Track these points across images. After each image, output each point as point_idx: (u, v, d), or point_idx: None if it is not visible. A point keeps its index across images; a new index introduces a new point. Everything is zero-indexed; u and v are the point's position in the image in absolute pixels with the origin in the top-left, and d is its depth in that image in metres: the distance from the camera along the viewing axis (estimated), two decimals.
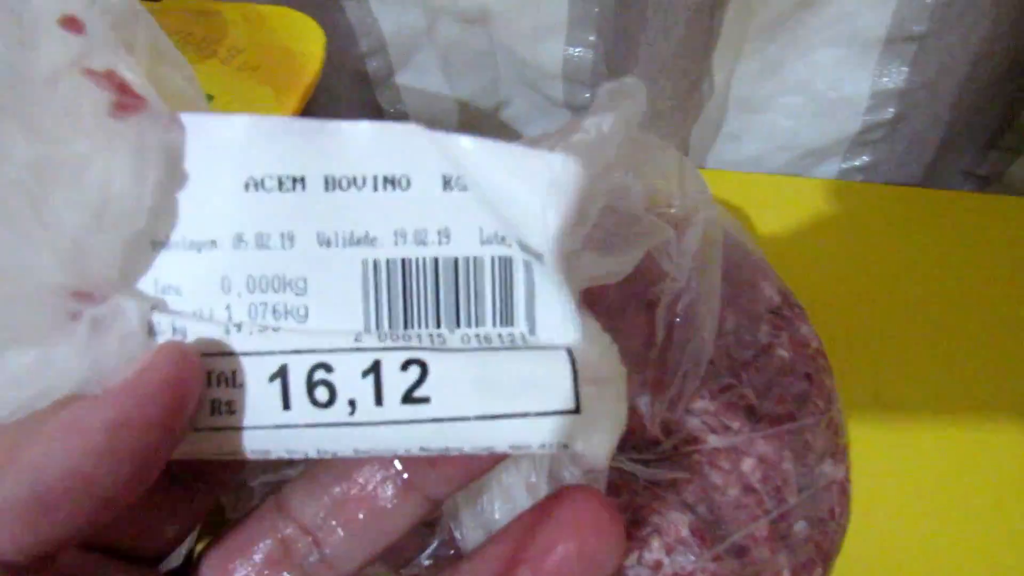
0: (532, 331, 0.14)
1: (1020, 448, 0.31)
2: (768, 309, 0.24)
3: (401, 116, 0.47)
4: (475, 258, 0.14)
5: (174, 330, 0.14)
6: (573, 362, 0.14)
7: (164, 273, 0.14)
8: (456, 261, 0.14)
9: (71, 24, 0.13)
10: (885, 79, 0.41)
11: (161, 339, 0.14)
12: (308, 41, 0.30)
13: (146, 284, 0.14)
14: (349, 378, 0.14)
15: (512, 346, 0.14)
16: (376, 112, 0.47)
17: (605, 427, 0.14)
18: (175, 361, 0.13)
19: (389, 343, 0.14)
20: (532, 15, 0.40)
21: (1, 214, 0.12)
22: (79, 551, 0.15)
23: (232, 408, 0.14)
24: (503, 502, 0.19)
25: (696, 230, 0.22)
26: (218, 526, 0.17)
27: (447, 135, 0.14)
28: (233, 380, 0.14)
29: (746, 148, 0.46)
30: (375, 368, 0.14)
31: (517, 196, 0.14)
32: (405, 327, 0.14)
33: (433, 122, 0.44)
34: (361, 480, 0.16)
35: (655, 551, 0.20)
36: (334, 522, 0.15)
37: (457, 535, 0.18)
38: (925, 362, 0.35)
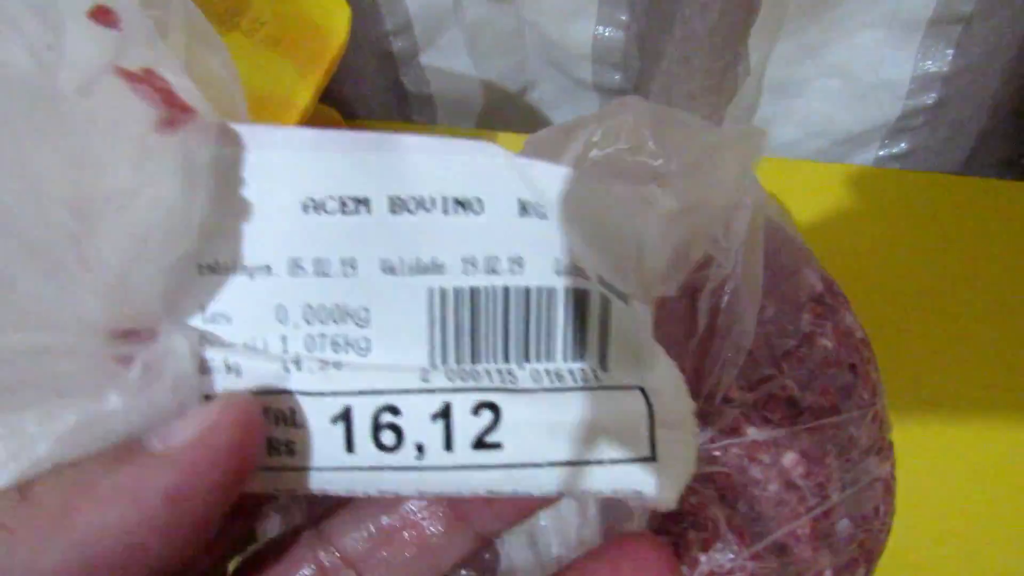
0: (604, 367, 0.13)
1: None
2: (810, 297, 0.23)
3: (426, 98, 0.46)
4: (548, 289, 0.13)
5: (227, 368, 0.13)
6: (650, 407, 0.13)
7: (213, 300, 0.13)
8: (528, 291, 0.13)
9: (104, 16, 0.11)
10: (928, 62, 0.40)
11: (215, 378, 0.12)
12: (333, 15, 0.29)
13: (193, 312, 0.13)
14: (417, 422, 0.13)
15: (585, 385, 0.13)
16: (400, 93, 0.46)
17: (678, 472, 0.13)
18: (240, 423, 0.12)
19: (459, 383, 0.13)
20: None
21: (41, 262, 0.11)
22: None
23: (292, 449, 0.13)
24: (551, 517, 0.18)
25: (745, 214, 0.21)
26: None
27: (531, 160, 0.13)
28: (293, 420, 0.13)
29: (780, 134, 0.44)
30: (445, 412, 0.13)
31: (605, 231, 0.13)
32: (473, 361, 0.13)
33: (458, 104, 0.43)
34: (409, 512, 0.15)
35: (692, 548, 0.19)
36: (379, 555, 0.15)
37: (498, 546, 0.18)
38: (966, 354, 0.34)
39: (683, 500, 0.20)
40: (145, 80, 0.11)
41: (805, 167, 0.44)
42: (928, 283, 0.37)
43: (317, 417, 0.13)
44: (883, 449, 0.22)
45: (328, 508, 0.16)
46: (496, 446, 0.13)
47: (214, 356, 0.12)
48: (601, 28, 0.40)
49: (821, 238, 0.39)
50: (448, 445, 0.13)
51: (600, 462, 0.13)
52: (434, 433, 0.13)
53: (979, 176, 0.43)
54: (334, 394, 0.13)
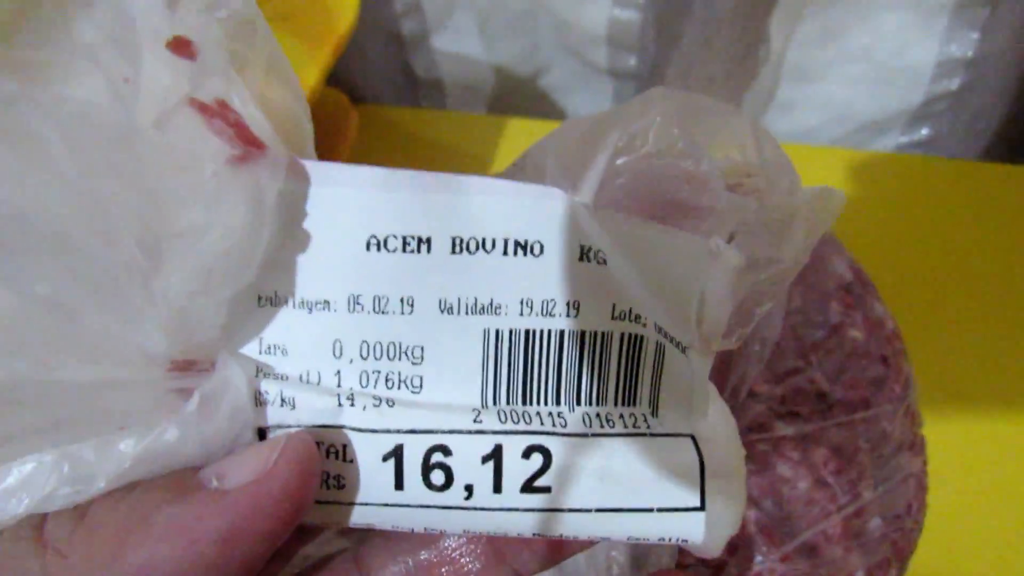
0: (655, 413, 0.13)
1: None
2: (839, 286, 0.22)
3: (435, 82, 0.45)
4: (603, 333, 0.13)
5: (282, 401, 0.13)
6: (700, 457, 0.13)
7: (270, 332, 0.13)
8: (583, 335, 0.13)
9: (182, 47, 0.11)
10: (953, 46, 0.39)
11: (269, 410, 0.13)
12: None
13: (250, 343, 0.13)
14: (468, 463, 0.13)
15: (635, 431, 0.13)
16: (409, 77, 0.45)
17: (726, 522, 0.13)
18: (298, 466, 0.12)
19: (510, 425, 0.13)
20: None
21: (108, 297, 0.11)
22: None
23: (341, 483, 0.13)
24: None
25: (773, 206, 0.20)
26: None
27: (592, 205, 0.13)
28: (344, 455, 0.13)
29: (800, 119, 0.43)
30: (496, 454, 0.13)
31: (667, 281, 0.13)
32: (524, 402, 0.13)
33: (468, 89, 0.42)
34: (448, 548, 0.15)
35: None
36: None
37: None
38: (991, 345, 0.33)
39: None
40: (219, 114, 0.11)
41: (825, 154, 0.42)
42: (950, 271, 0.36)
43: (368, 453, 0.13)
44: (915, 444, 0.21)
45: (366, 532, 0.16)
46: (545, 490, 0.13)
47: (269, 388, 0.13)
48: (617, 10, 0.39)
49: (841, 226, 0.38)
50: (497, 487, 0.13)
51: (649, 510, 0.13)
52: (484, 475, 0.13)
53: (1002, 162, 0.42)
54: (386, 431, 0.13)
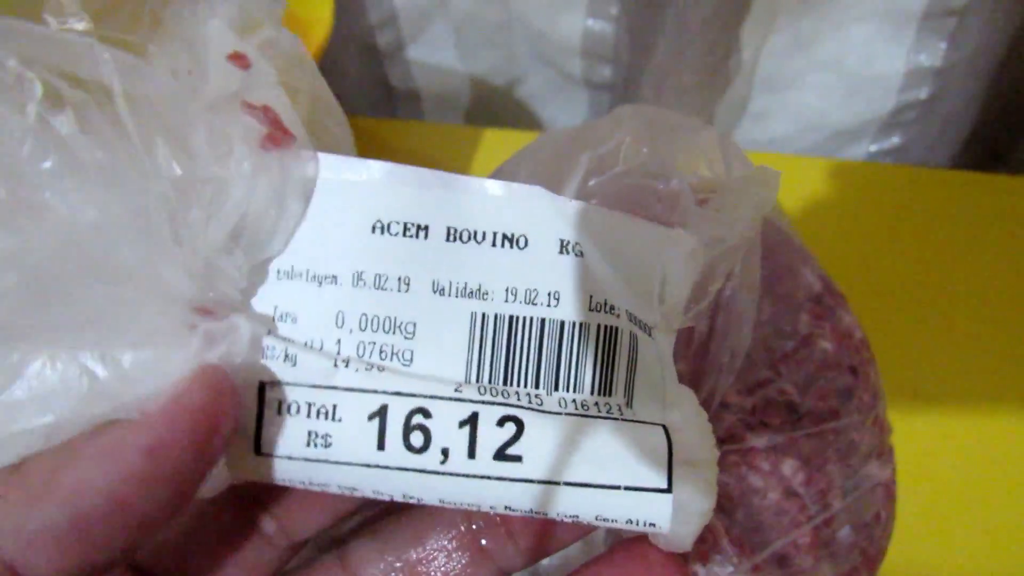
0: (630, 404, 0.14)
1: None
2: (808, 297, 0.22)
3: (411, 93, 0.45)
4: (582, 324, 0.14)
5: (286, 356, 0.14)
6: (669, 440, 0.14)
7: (284, 301, 0.14)
8: (563, 325, 0.14)
9: (239, 60, 0.14)
10: (921, 56, 0.39)
11: (273, 364, 0.14)
12: (315, 6, 0.28)
13: (265, 309, 0.14)
14: (445, 427, 0.14)
15: (608, 416, 0.14)
16: (385, 89, 0.45)
17: (694, 510, 0.14)
18: (209, 388, 0.13)
19: (488, 397, 0.14)
20: None
21: (143, 225, 0.13)
22: None
23: (328, 441, 0.14)
24: None
25: (739, 224, 0.20)
26: None
27: (570, 201, 0.14)
28: (333, 414, 0.14)
29: (772, 128, 0.44)
30: (472, 420, 0.14)
31: (634, 267, 0.14)
32: (505, 383, 0.14)
33: (445, 99, 0.42)
34: (433, 546, 0.15)
35: (690, 561, 0.18)
36: None
37: None
38: (961, 350, 0.33)
39: None
40: (262, 110, 0.14)
41: (797, 162, 0.43)
42: (922, 278, 0.37)
43: (355, 412, 0.14)
44: (884, 453, 0.21)
45: (352, 530, 0.16)
46: (517, 459, 0.14)
47: (275, 344, 0.14)
48: (591, 21, 0.39)
49: (813, 234, 0.38)
50: (471, 452, 0.14)
51: (616, 487, 0.13)
52: (460, 439, 0.14)
53: (971, 170, 0.43)
54: (374, 391, 0.14)
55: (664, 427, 0.14)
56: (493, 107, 0.46)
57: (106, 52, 0.12)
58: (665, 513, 0.13)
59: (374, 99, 0.46)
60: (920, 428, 0.30)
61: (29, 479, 0.12)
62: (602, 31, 0.40)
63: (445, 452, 0.14)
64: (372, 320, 0.14)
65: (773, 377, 0.21)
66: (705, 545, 0.19)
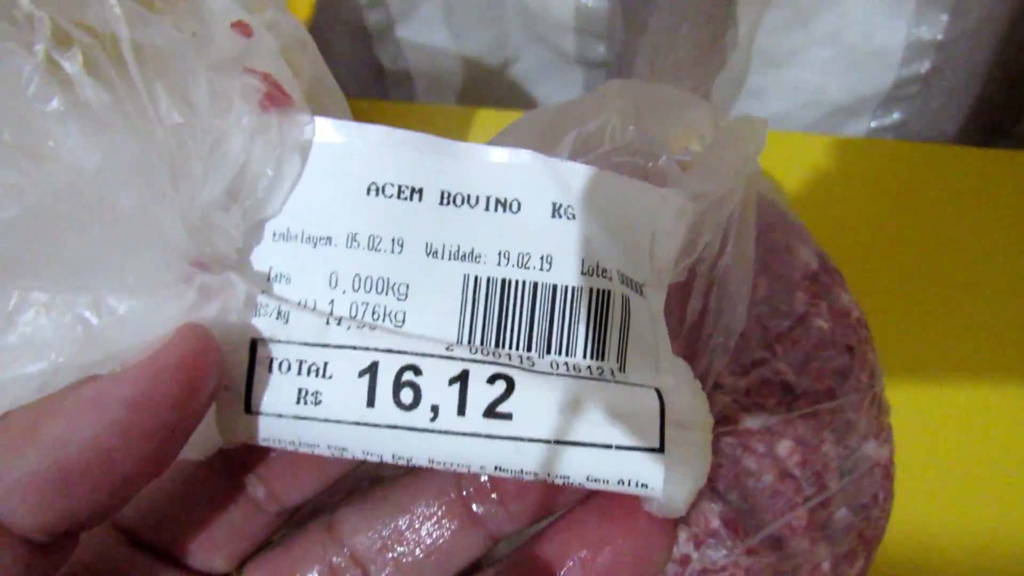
0: (623, 368, 0.14)
1: None
2: (804, 275, 0.22)
3: (403, 74, 0.45)
4: (574, 288, 0.14)
5: (279, 314, 0.14)
6: (662, 402, 0.14)
7: (278, 261, 0.14)
8: (555, 288, 0.14)
9: (242, 28, 0.14)
10: (922, 29, 0.39)
11: (265, 321, 0.14)
12: None
13: (260, 268, 0.14)
14: (436, 384, 0.14)
15: (601, 379, 0.14)
16: (376, 70, 0.45)
17: (687, 473, 0.14)
18: (190, 342, 0.13)
19: (479, 356, 0.14)
20: None
21: (143, 172, 0.13)
22: (128, 549, 0.15)
23: (318, 399, 0.14)
24: None
25: (731, 199, 0.20)
26: None
27: (562, 162, 0.15)
28: (324, 371, 0.14)
29: (771, 105, 0.43)
30: (462, 377, 0.14)
31: (625, 226, 0.15)
32: (497, 345, 0.14)
33: (437, 80, 0.41)
34: (422, 513, 0.15)
35: (682, 544, 0.18)
36: (389, 555, 0.15)
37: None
38: (965, 328, 0.33)
39: None
40: (262, 75, 0.14)
41: (796, 139, 0.42)
42: (924, 255, 0.36)
43: (346, 369, 0.14)
44: (882, 433, 0.21)
45: (341, 498, 0.17)
46: (507, 416, 0.14)
47: (268, 302, 0.14)
48: None
49: (814, 212, 0.38)
50: (461, 409, 0.14)
51: (607, 446, 0.13)
52: (450, 396, 0.14)
53: (973, 145, 0.42)
54: (365, 348, 0.14)
55: (657, 390, 0.14)
56: (486, 87, 0.46)
57: None
58: (657, 474, 0.13)
59: (365, 81, 0.45)
60: (921, 406, 0.30)
61: (11, 428, 0.12)
62: (595, 7, 0.39)
63: (435, 409, 0.14)
64: (365, 281, 0.14)
65: (768, 357, 0.21)
66: (697, 529, 0.18)
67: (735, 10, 0.36)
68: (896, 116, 0.43)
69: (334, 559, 0.15)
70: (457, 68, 0.44)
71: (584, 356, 0.14)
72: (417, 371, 0.14)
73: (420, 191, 0.14)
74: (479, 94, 0.46)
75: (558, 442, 0.13)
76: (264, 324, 0.14)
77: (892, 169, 0.41)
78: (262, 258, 0.14)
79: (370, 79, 0.45)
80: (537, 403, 0.14)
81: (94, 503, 0.12)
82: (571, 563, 0.14)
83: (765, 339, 0.21)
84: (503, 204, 0.14)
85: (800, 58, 0.41)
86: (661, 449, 0.13)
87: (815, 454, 0.19)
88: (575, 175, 0.14)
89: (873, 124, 0.44)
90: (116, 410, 0.12)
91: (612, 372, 0.14)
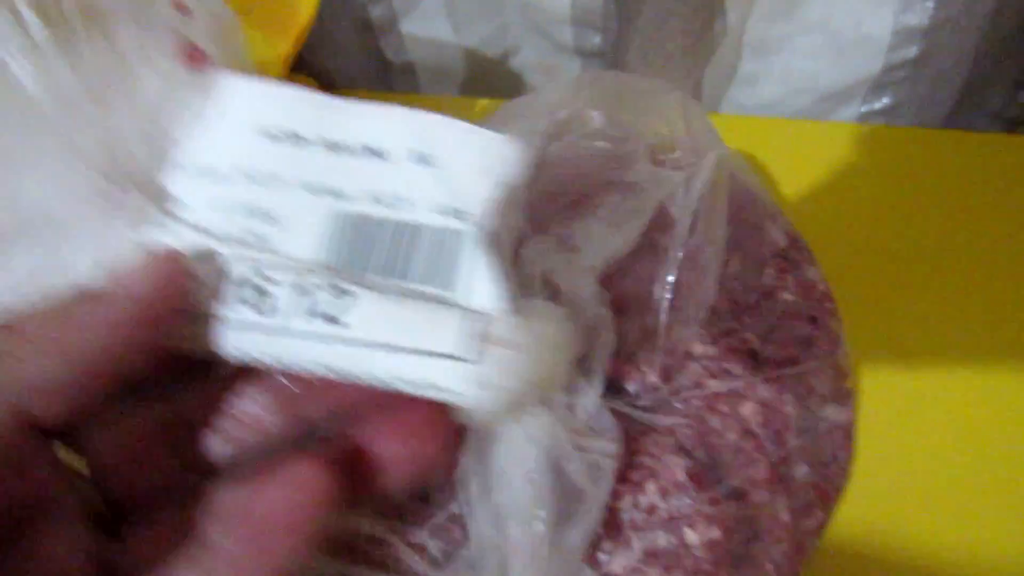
0: (454, 292, 0.16)
1: None
2: (774, 252, 0.23)
3: (407, 66, 0.46)
4: (425, 226, 0.17)
5: (175, 234, 0.17)
6: (482, 322, 0.16)
7: (178, 187, 0.17)
8: (409, 225, 0.17)
9: (182, 8, 0.18)
10: (908, 15, 0.40)
11: (162, 236, 0.17)
12: None
13: (163, 190, 0.17)
14: (289, 291, 0.16)
15: (430, 300, 0.16)
16: (380, 62, 0.46)
17: (497, 384, 0.15)
18: (173, 264, 0.16)
19: (332, 275, 0.16)
20: None
21: (71, 94, 0.16)
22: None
23: (196, 304, 0.16)
24: (507, 490, 0.19)
25: (703, 175, 0.22)
26: None
27: (420, 112, 0.17)
28: (204, 280, 0.16)
29: (762, 92, 0.44)
30: (312, 288, 0.16)
31: (465, 170, 0.17)
32: (350, 267, 0.17)
33: (439, 72, 0.43)
34: (245, 388, 0.17)
35: (650, 495, 0.20)
36: (214, 411, 0.17)
37: (465, 512, 0.18)
38: (954, 309, 0.34)
39: (642, 451, 0.20)
40: (188, 44, 0.18)
41: (789, 125, 0.44)
42: (915, 238, 0.37)
43: (218, 275, 0.16)
44: (843, 397, 0.22)
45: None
46: (345, 324, 0.16)
47: (168, 223, 0.17)
48: None
49: (806, 196, 0.39)
50: (308, 313, 0.16)
51: (420, 351, 0.16)
52: (298, 303, 0.16)
53: (964, 129, 0.43)
54: (238, 259, 0.17)
55: (479, 312, 0.16)
56: (488, 78, 0.47)
57: None
58: (467, 380, 0.15)
59: (370, 74, 0.47)
60: (900, 383, 0.31)
61: (34, 338, 0.15)
62: (591, 1, 0.40)
63: (280, 311, 0.16)
64: (247, 206, 0.17)
65: (737, 327, 0.22)
66: (665, 481, 0.20)
67: (723, 1, 0.38)
68: (886, 101, 0.44)
69: (167, 415, 0.17)
70: (459, 60, 0.46)
71: (425, 283, 0.16)
72: (275, 282, 0.16)
73: (304, 137, 0.17)
74: (480, 85, 0.48)
75: (384, 346, 0.16)
76: (151, 232, 0.17)
77: (884, 153, 0.42)
78: (165, 183, 0.17)
79: (375, 72, 0.47)
80: (369, 314, 0.16)
81: (96, 398, 0.15)
82: (355, 445, 0.16)
83: (734, 311, 0.22)
84: (372, 151, 0.17)
85: (790, 45, 0.42)
86: (474, 361, 0.15)
87: (776, 415, 0.21)
88: (434, 126, 0.17)
89: (863, 109, 0.45)
90: (126, 326, 0.15)
91: (442, 295, 0.16)
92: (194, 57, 0.18)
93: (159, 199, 0.17)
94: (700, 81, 0.42)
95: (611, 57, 0.43)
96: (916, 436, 0.28)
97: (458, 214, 0.17)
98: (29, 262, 0.16)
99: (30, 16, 0.16)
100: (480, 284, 0.16)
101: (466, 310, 0.16)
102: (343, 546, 0.20)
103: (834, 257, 0.34)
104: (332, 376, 0.16)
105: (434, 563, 0.20)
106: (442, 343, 0.15)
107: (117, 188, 0.17)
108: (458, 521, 0.20)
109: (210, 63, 0.18)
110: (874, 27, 0.40)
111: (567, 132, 0.19)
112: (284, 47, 0.28)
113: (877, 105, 0.45)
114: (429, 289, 0.16)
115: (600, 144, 0.20)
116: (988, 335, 0.33)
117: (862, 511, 0.23)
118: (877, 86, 0.43)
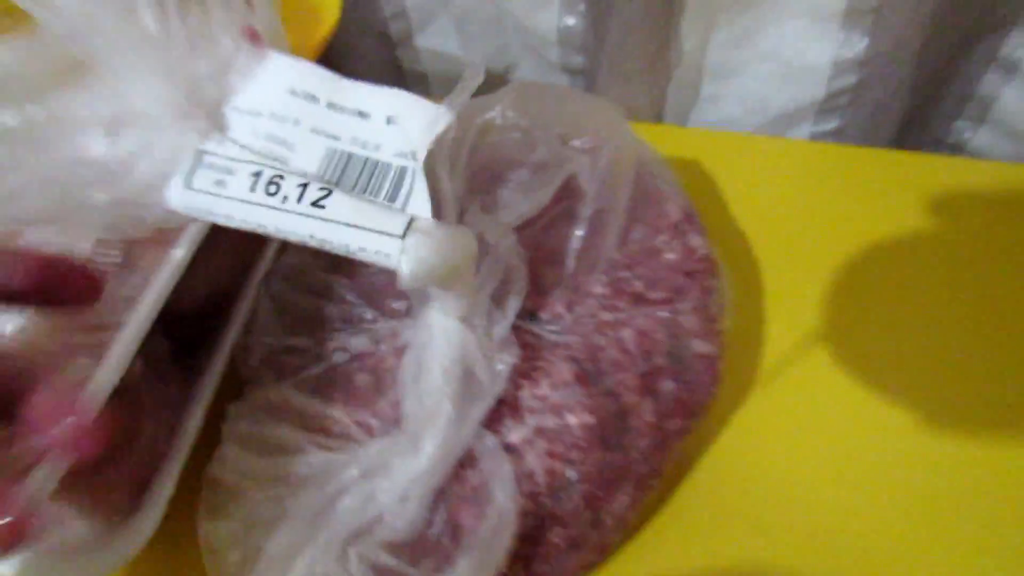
0: (403, 207, 0.24)
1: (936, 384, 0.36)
2: (668, 224, 0.30)
3: (420, 76, 0.54)
4: (388, 163, 0.25)
5: (219, 141, 0.25)
6: (412, 219, 0.23)
7: (232, 120, 0.26)
8: (378, 162, 0.25)
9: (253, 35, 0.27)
10: (846, 48, 0.45)
11: (211, 142, 0.25)
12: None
13: (221, 121, 0.26)
14: (291, 185, 0.24)
15: (384, 206, 0.24)
16: (397, 71, 0.54)
17: (416, 255, 0.22)
18: None
19: (321, 183, 0.24)
20: None
21: (171, 42, 0.25)
22: None
23: (225, 184, 0.24)
24: (430, 379, 0.26)
25: (604, 156, 0.28)
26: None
27: (394, 90, 0.26)
28: (231, 171, 0.24)
29: (723, 111, 0.51)
30: (305, 186, 0.24)
31: (416, 127, 0.25)
32: (336, 184, 0.25)
33: (448, 80, 0.52)
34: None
35: (543, 388, 0.26)
36: None
37: (401, 397, 0.25)
38: (892, 316, 0.37)
39: (543, 359, 0.27)
40: (250, 28, 0.27)
41: (746, 139, 0.49)
42: (857, 247, 0.40)
43: (243, 171, 0.24)
44: (710, 336, 0.29)
45: None
46: (323, 207, 0.23)
47: (221, 139, 0.25)
48: (565, 18, 0.47)
49: (758, 203, 0.44)
50: (300, 200, 0.24)
51: (377, 231, 0.23)
52: (295, 192, 0.24)
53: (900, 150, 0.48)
54: (258, 164, 0.24)
55: (412, 215, 0.23)
56: (490, 88, 0.54)
57: None
58: (397, 249, 0.22)
59: (387, 80, 0.54)
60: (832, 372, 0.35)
61: None
62: (573, 26, 0.47)
63: (286, 198, 0.23)
64: (273, 136, 0.25)
65: (628, 276, 0.29)
66: (556, 379, 0.27)
67: (679, 29, 0.44)
68: (833, 124, 0.50)
69: None
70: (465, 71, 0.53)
71: (384, 197, 0.24)
72: (282, 177, 0.24)
73: (316, 97, 0.26)
74: (484, 94, 0.55)
75: (347, 224, 0.23)
76: (210, 144, 0.25)
77: (828, 168, 0.47)
78: (223, 115, 0.25)
79: (392, 79, 0.54)
80: (341, 203, 0.23)
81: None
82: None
83: (628, 264, 0.29)
84: (360, 114, 0.26)
85: (747, 71, 0.48)
86: (402, 237, 0.22)
87: (648, 340, 0.28)
88: (400, 99, 0.25)
89: (815, 129, 0.51)
90: None
91: (392, 205, 0.24)
92: (253, 36, 0.27)
93: (219, 124, 0.25)
94: (662, 97, 0.49)
95: (592, 74, 0.50)
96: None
97: (410, 156, 0.25)
98: (129, 144, 0.24)
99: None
100: (416, 199, 0.24)
101: (405, 212, 0.24)
102: (301, 421, 0.27)
103: (783, 259, 0.39)
104: (313, 243, 0.24)
105: (370, 432, 0.27)
106: (386, 226, 0.23)
107: (194, 109, 0.25)
108: (397, 406, 0.27)
109: (262, 41, 0.27)
110: (817, 58, 0.46)
111: (493, 126, 0.26)
112: (307, 54, 0.36)
113: (826, 127, 0.50)
114: (385, 202, 0.24)
115: (515, 134, 0.27)
116: (916, 342, 0.36)
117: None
118: (823, 110, 0.49)
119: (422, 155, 0.24)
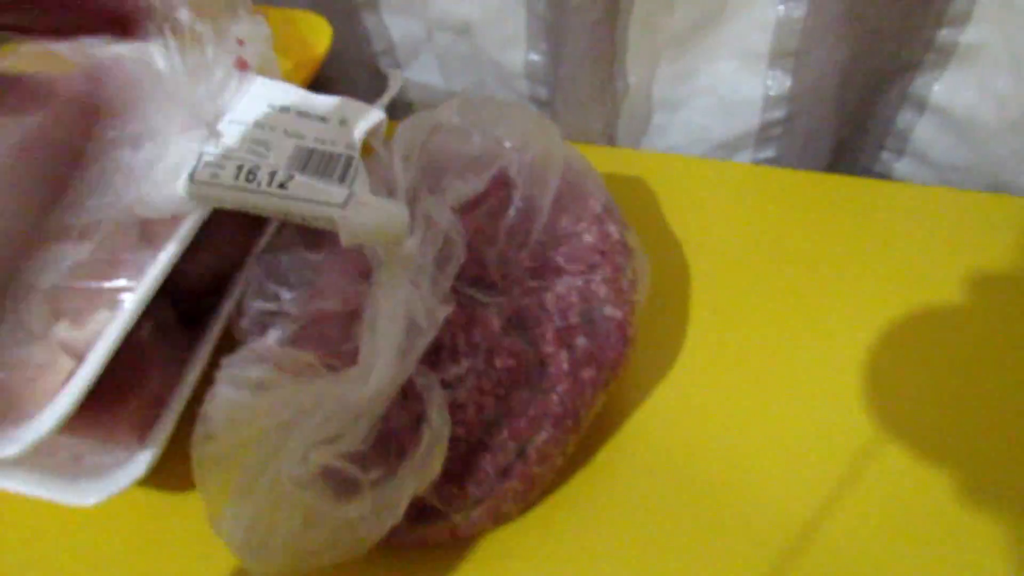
0: (351, 188, 0.32)
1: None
2: (591, 215, 0.36)
3: (406, 105, 0.61)
4: (340, 154, 0.34)
5: (215, 145, 0.34)
6: (351, 194, 0.30)
7: (224, 128, 0.35)
8: (332, 153, 0.34)
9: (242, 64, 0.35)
10: (772, 84, 0.52)
11: (209, 146, 0.33)
12: (317, 31, 0.45)
13: (216, 130, 0.34)
14: (264, 174, 0.32)
15: (339, 187, 0.31)
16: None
17: (353, 221, 0.29)
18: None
19: (289, 171, 0.31)
20: (501, 28, 0.53)
21: (176, 75, 0.32)
22: None
23: (218, 174, 0.32)
24: (381, 324, 0.32)
25: (530, 153, 0.35)
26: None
27: (346, 99, 0.36)
28: (222, 165, 0.32)
29: (670, 139, 0.57)
30: (274, 172, 0.32)
31: (361, 126, 0.34)
32: (300, 172, 0.31)
33: (432, 109, 0.57)
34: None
35: (476, 337, 0.32)
36: None
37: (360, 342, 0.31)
38: (819, 321, 0.42)
39: (478, 315, 0.33)
40: (241, 58, 0.34)
41: (694, 163, 0.55)
42: (792, 263, 0.45)
43: (231, 165, 0.32)
44: (620, 303, 0.35)
45: None
46: (287, 188, 0.32)
47: (215, 141, 0.33)
48: (530, 54, 0.54)
49: (703, 220, 0.50)
50: (270, 184, 0.32)
51: (324, 203, 0.30)
52: (267, 178, 0.32)
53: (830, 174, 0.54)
54: (246, 162, 0.32)
55: (355, 191, 0.31)
56: None
57: None
58: (339, 215, 0.30)
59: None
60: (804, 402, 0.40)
61: None
62: (538, 62, 0.54)
63: (259, 183, 0.31)
64: (254, 140, 0.34)
65: (553, 254, 0.35)
66: (486, 329, 0.33)
67: (623, 66, 0.51)
68: (770, 153, 0.56)
69: None
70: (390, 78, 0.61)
71: (335, 181, 0.33)
72: (259, 167, 0.32)
73: (289, 108, 0.35)
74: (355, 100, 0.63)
75: (304, 200, 0.31)
76: (208, 148, 0.32)
77: (768, 190, 0.53)
78: (218, 124, 0.34)
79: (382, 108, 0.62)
80: (302, 186, 0.31)
81: None
82: None
83: (555, 245, 0.35)
84: (322, 118, 0.35)
85: (689, 104, 0.55)
86: (344, 206, 0.30)
87: (564, 302, 0.34)
88: (350, 106, 0.35)
89: (756, 156, 0.57)
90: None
91: (341, 184, 0.32)
92: (243, 65, 0.34)
93: (214, 132, 0.34)
94: (614, 125, 0.56)
95: (551, 105, 0.57)
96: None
97: (354, 148, 0.32)
98: (148, 153, 0.31)
99: (170, 39, 0.32)
100: (359, 179, 0.31)
101: (350, 189, 0.30)
102: (280, 364, 0.33)
103: (716, 261, 0.45)
104: (280, 216, 0.31)
105: (335, 371, 0.33)
106: (332, 198, 0.30)
107: (196, 124, 0.32)
108: (358, 349, 0.33)
109: (249, 69, 0.35)
110: (749, 93, 0.53)
111: (441, 128, 0.33)
112: (303, 73, 0.43)
113: (763, 156, 0.57)
114: (337, 182, 0.31)
115: (458, 134, 0.33)
116: (851, 339, 0.41)
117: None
118: (760, 140, 0.56)
119: (360, 144, 0.33)
